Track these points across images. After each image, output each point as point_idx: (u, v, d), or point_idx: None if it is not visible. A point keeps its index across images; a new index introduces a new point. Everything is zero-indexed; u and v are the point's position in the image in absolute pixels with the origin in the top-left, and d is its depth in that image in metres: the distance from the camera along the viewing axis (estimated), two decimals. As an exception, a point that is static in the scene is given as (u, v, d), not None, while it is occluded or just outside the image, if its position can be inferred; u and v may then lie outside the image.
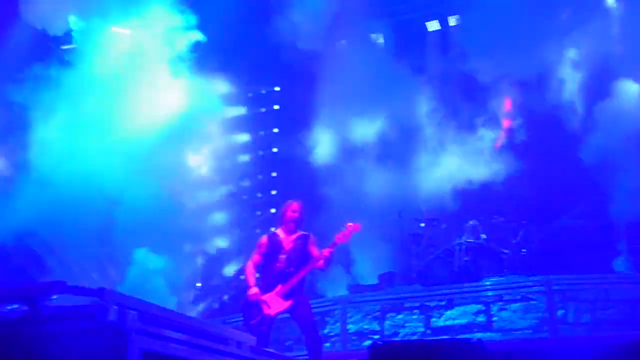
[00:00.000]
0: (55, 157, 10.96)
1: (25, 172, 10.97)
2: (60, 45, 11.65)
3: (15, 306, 3.72)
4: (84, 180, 10.79)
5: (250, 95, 14.40)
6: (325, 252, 7.02)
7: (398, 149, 12.74)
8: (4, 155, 11.62)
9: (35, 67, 11.12)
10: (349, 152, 12.90)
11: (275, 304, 6.95)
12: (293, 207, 7.40)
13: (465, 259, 11.93)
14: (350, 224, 7.20)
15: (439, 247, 12.31)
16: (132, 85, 11.38)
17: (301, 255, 7.13)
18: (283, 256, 7.12)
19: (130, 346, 3.45)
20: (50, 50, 11.50)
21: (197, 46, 11.88)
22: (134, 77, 11.41)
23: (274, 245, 7.25)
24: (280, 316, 7.11)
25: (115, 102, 11.27)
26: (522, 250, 11.66)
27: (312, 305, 7.25)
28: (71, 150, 11.05)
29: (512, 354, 5.43)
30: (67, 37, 11.59)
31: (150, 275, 10.68)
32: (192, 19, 11.83)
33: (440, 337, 9.63)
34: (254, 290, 7.05)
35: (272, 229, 7.99)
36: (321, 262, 7.02)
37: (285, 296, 6.94)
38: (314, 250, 7.19)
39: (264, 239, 7.41)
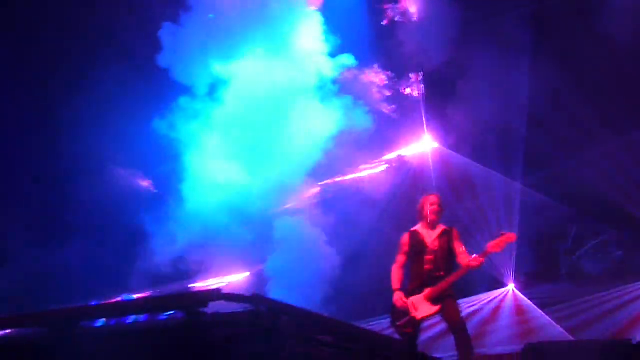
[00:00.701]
0: (206, 188, 11.46)
1: (179, 202, 11.59)
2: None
3: (173, 313, 3.90)
4: (231, 210, 11.28)
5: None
6: (477, 260, 6.80)
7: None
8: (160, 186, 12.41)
9: (182, 101, 11.64)
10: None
11: (423, 307, 6.84)
12: (431, 201, 7.24)
13: (620, 253, 11.33)
14: (505, 232, 6.93)
15: (589, 241, 11.72)
16: (280, 114, 11.57)
17: (447, 254, 6.96)
18: (429, 257, 6.96)
19: (284, 349, 3.53)
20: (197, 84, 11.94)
21: (346, 68, 11.94)
22: (282, 106, 11.57)
23: (418, 243, 7.11)
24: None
25: (264, 131, 11.50)
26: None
27: (460, 306, 7.03)
28: (219, 181, 11.48)
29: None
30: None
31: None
32: (337, 42, 11.81)
33: (595, 338, 9.17)
34: (398, 295, 6.99)
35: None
36: (470, 268, 6.82)
37: (435, 300, 6.82)
38: (460, 247, 6.99)
39: (406, 237, 7.26)
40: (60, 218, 12.12)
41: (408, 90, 13.01)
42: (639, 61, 10.64)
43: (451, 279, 6.82)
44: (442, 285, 6.78)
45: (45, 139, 12.15)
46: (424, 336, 7.41)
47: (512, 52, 11.57)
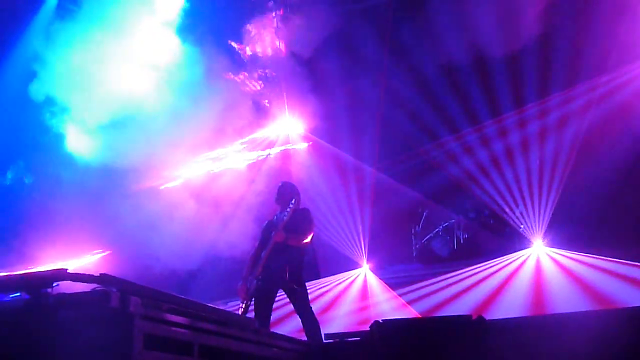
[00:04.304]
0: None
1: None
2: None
3: (18, 295, 3.73)
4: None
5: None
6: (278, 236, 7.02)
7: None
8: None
9: None
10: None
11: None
12: None
13: (465, 236, 11.99)
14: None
15: (438, 225, 12.34)
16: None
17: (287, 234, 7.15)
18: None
19: (134, 331, 3.47)
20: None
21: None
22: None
23: (268, 230, 7.36)
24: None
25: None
26: (521, 225, 11.65)
27: (307, 289, 7.18)
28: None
29: (513, 330, 5.47)
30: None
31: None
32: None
33: (442, 315, 9.70)
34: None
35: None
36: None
37: (259, 279, 7.00)
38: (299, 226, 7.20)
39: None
40: None
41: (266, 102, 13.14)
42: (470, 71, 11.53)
43: (266, 254, 6.99)
44: (262, 262, 6.95)
45: None
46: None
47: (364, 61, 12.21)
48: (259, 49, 12.58)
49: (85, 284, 3.51)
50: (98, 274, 3.53)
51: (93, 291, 3.45)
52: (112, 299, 3.39)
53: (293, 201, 7.04)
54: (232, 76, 12.32)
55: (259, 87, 12.92)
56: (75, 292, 3.46)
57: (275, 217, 7.33)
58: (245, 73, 12.61)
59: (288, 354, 5.35)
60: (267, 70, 12.80)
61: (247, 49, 12.56)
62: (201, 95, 11.18)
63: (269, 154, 13.05)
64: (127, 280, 3.66)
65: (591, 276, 9.87)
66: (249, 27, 12.47)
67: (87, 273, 3.53)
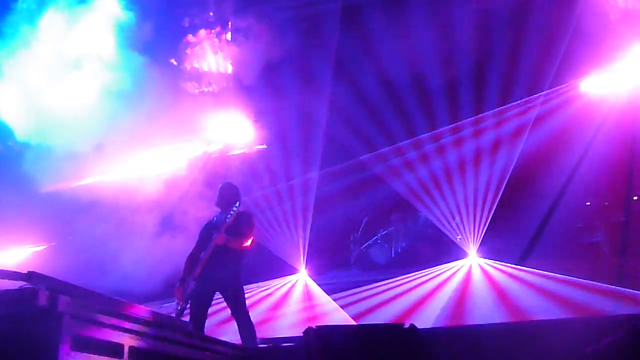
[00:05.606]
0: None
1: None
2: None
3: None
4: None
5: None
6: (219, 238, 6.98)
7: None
8: None
9: None
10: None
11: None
12: None
13: (403, 244, 12.13)
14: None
15: (377, 233, 12.46)
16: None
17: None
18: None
19: (62, 331, 3.39)
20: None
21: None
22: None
23: (208, 231, 7.31)
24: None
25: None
26: (458, 236, 11.86)
27: (244, 292, 7.17)
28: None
29: (443, 339, 5.59)
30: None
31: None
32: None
33: (375, 323, 9.79)
34: None
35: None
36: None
37: (199, 280, 6.97)
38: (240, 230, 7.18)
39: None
40: None
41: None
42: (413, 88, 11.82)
43: (205, 256, 6.95)
44: (201, 264, 6.92)
45: None
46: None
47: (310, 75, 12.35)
48: (205, 66, 12.59)
49: (13, 281, 3.42)
50: (26, 272, 3.44)
51: (19, 289, 3.35)
52: (39, 298, 3.30)
53: (237, 204, 7.02)
54: (181, 83, 12.25)
55: (206, 90, 12.88)
56: (1, 289, 3.36)
57: (215, 219, 7.28)
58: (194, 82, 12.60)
59: (221, 358, 5.33)
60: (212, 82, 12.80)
61: (193, 64, 12.54)
62: (148, 102, 10.98)
63: (212, 157, 12.96)
64: (57, 279, 3.58)
65: (520, 288, 10.13)
66: (191, 48, 12.45)
67: (13, 270, 3.43)
